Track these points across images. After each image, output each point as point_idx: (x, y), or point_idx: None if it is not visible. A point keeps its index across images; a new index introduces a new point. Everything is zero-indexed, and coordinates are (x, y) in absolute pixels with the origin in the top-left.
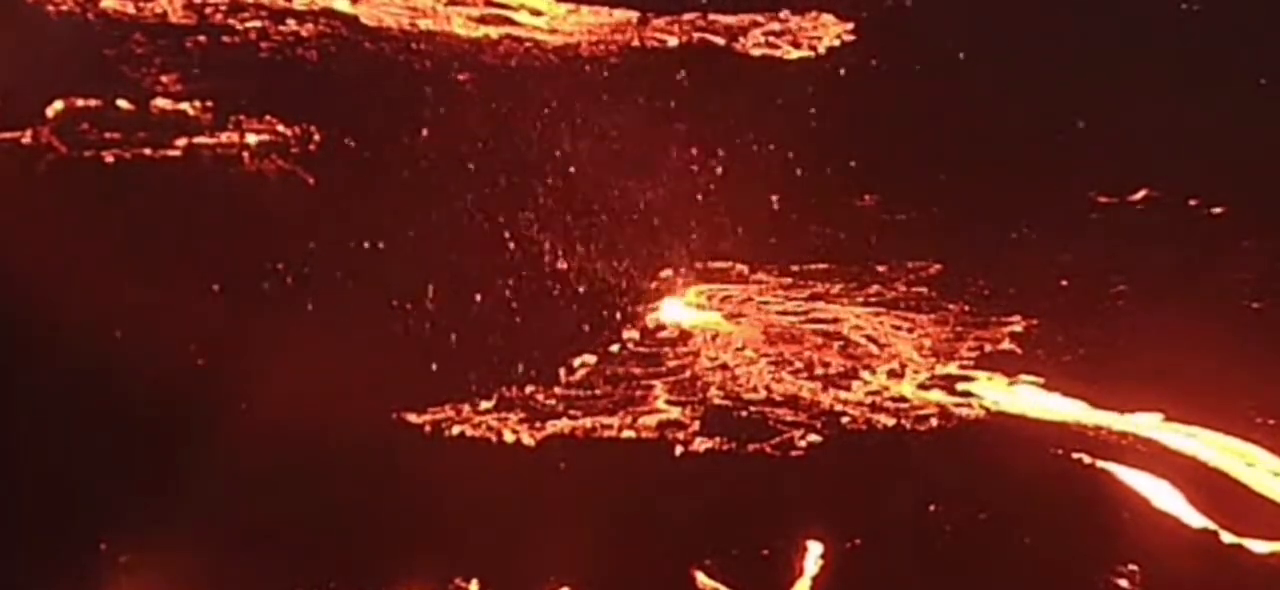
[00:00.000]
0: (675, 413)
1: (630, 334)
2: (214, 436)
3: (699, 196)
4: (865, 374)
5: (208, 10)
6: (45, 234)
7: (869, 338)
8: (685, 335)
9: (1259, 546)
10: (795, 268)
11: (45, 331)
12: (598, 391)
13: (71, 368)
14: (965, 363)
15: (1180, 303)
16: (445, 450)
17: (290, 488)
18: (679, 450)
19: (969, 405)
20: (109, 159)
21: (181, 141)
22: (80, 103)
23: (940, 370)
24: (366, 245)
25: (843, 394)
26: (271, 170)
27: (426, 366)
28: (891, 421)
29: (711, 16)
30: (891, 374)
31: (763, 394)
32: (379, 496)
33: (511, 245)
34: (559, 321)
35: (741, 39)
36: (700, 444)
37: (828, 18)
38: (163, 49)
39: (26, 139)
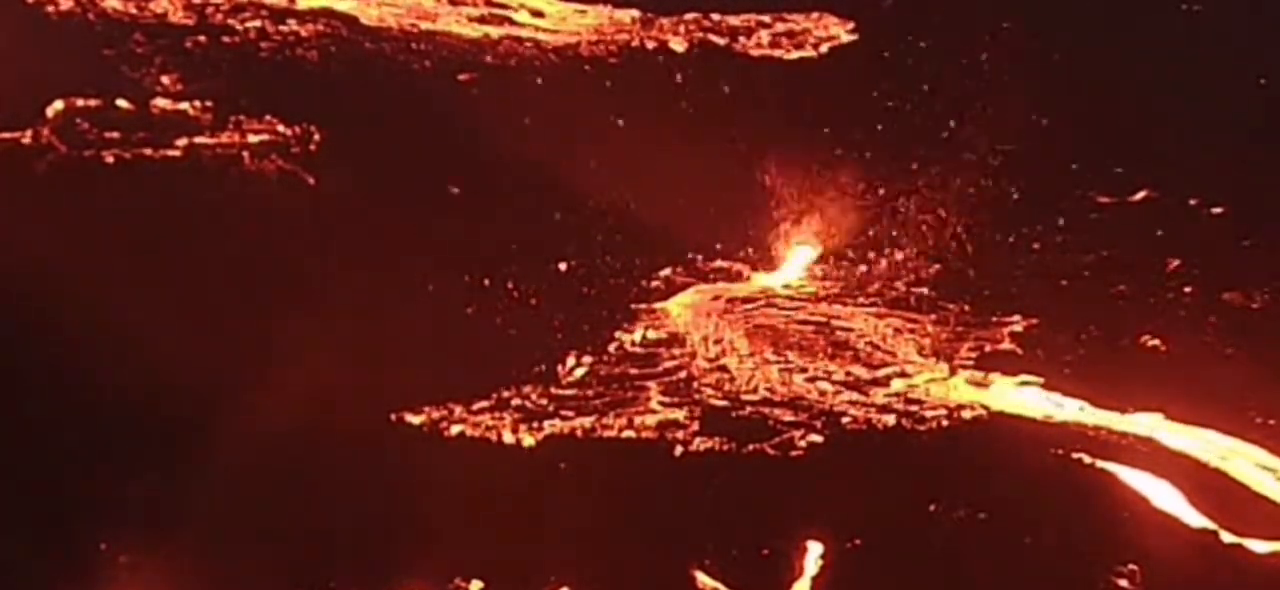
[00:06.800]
0: (674, 413)
1: (629, 334)
2: (214, 437)
3: (699, 197)
4: (866, 374)
5: (208, 10)
6: (45, 234)
7: (869, 339)
8: (684, 336)
9: (1259, 546)
10: (794, 269)
11: (45, 331)
12: (597, 391)
13: (72, 368)
14: (965, 363)
15: (1180, 303)
16: (444, 450)
17: (290, 488)
18: (678, 450)
19: (969, 405)
20: (109, 159)
21: (181, 141)
22: (80, 103)
23: (940, 370)
24: (366, 245)
25: (843, 394)
26: (271, 170)
27: (425, 366)
28: (892, 421)
29: (713, 17)
30: (892, 374)
31: (761, 394)
32: (379, 496)
33: (511, 245)
34: (558, 321)
35: (743, 39)
36: (700, 444)
37: (829, 18)
38: (163, 49)
39: (26, 139)
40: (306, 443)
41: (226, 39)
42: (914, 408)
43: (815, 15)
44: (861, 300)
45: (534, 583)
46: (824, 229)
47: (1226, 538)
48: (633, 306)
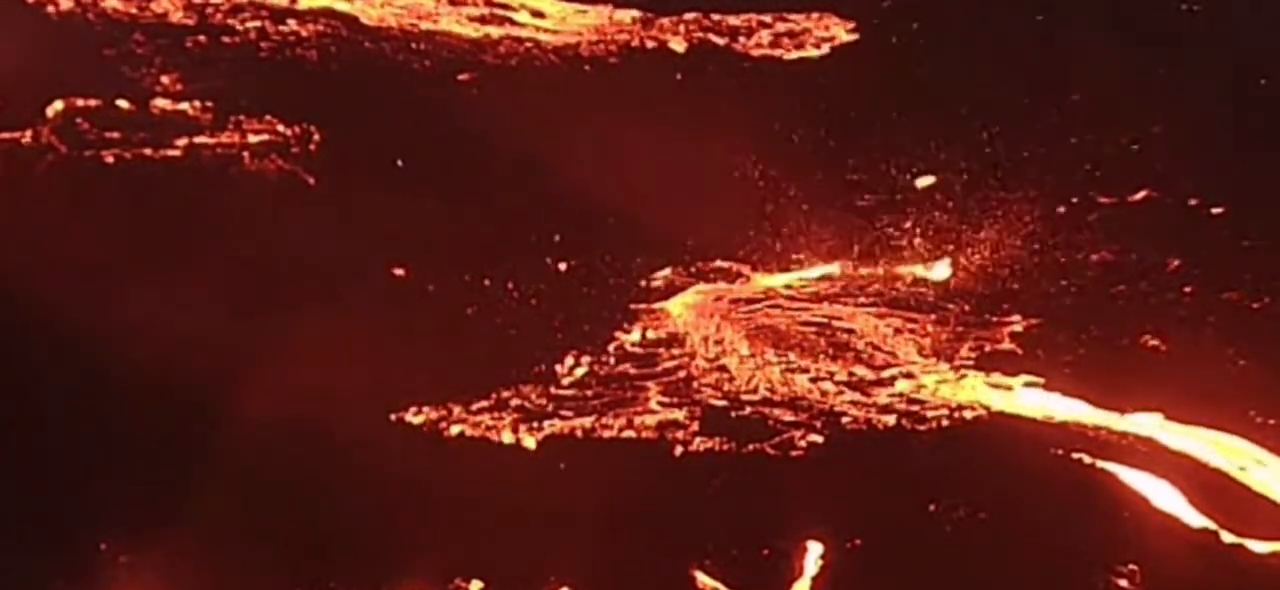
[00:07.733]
0: (674, 413)
1: (629, 334)
2: (214, 436)
3: (699, 196)
4: (866, 374)
5: (208, 10)
6: (45, 234)
7: (870, 339)
8: (684, 336)
9: (1259, 546)
10: (795, 269)
11: (45, 331)
12: (597, 392)
13: (71, 368)
14: (965, 363)
15: (1180, 303)
16: (444, 450)
17: (290, 488)
18: (678, 450)
19: (969, 405)
20: (109, 159)
21: (181, 141)
22: (80, 103)
23: (940, 370)
24: (366, 245)
25: (844, 394)
26: (271, 170)
27: (425, 366)
28: (891, 421)
29: (713, 17)
30: (892, 374)
31: (761, 394)
32: (379, 496)
33: (511, 245)
34: (558, 321)
35: (743, 39)
36: (700, 444)
37: (830, 18)
38: (163, 49)
39: (26, 139)
40: (306, 443)
41: (226, 39)
42: (915, 408)
43: (815, 15)
44: (862, 300)
45: (534, 583)
46: (824, 229)
47: (1226, 538)
48: (633, 306)
